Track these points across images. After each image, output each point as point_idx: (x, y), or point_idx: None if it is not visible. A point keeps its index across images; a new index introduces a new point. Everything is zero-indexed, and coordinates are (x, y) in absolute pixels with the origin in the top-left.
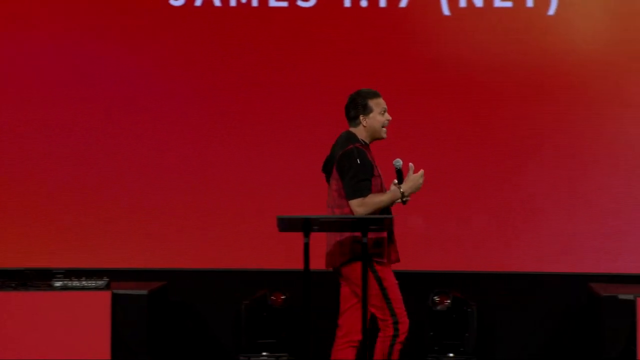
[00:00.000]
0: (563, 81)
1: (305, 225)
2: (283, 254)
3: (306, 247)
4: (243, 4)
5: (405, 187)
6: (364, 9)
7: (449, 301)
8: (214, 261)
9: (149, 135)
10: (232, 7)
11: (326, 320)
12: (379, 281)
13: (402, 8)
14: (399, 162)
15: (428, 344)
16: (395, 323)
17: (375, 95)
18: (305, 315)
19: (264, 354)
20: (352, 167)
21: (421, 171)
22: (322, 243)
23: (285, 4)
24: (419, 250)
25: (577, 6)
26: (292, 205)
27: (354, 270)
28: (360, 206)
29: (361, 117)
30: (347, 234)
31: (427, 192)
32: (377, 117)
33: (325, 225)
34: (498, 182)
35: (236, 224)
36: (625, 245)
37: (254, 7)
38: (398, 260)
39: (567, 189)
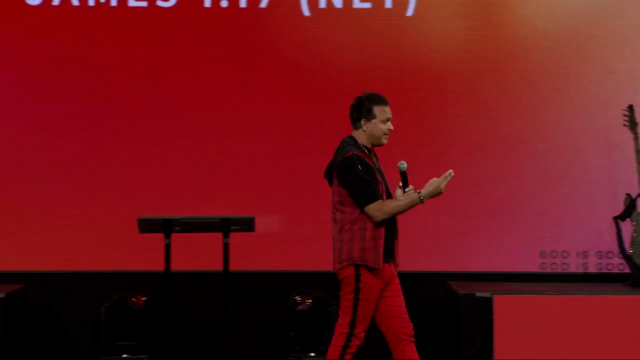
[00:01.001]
0: (420, 81)
1: (166, 226)
2: (145, 255)
3: (167, 248)
4: (102, 3)
5: (424, 191)
6: (224, 9)
7: (310, 301)
8: (74, 263)
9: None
10: (91, 7)
11: (189, 321)
12: (356, 292)
13: (263, 8)
14: (403, 165)
15: (289, 343)
16: (350, 335)
17: (382, 102)
18: (165, 317)
19: (124, 355)
20: (354, 175)
21: (447, 173)
22: (188, 244)
23: (144, 4)
24: (280, 250)
25: (434, 7)
26: (147, 207)
27: (343, 272)
28: (378, 211)
29: (363, 121)
30: (342, 240)
31: (286, 192)
32: (379, 124)
33: (187, 226)
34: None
35: (97, 225)
36: (483, 244)
37: (113, 7)
38: (385, 268)
39: None
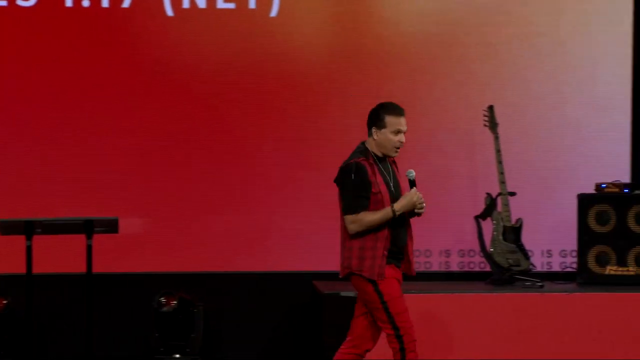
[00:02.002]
0: (286, 82)
1: (27, 228)
2: (6, 258)
3: (28, 250)
4: None
5: (397, 205)
6: (86, 9)
7: (175, 302)
8: None
9: None
10: None
11: (51, 324)
12: (380, 296)
13: (125, 8)
14: (411, 173)
15: (154, 345)
16: (399, 336)
17: (395, 112)
18: (27, 320)
19: None
20: (348, 183)
21: (414, 191)
22: (50, 245)
23: (4, 4)
24: (145, 252)
25: (298, 8)
26: (8, 209)
27: (354, 282)
28: (352, 223)
29: (374, 129)
30: (343, 248)
31: (150, 195)
32: (388, 135)
33: (49, 228)
34: (226, 182)
35: None
36: None
37: None
38: (396, 273)
39: (288, 189)
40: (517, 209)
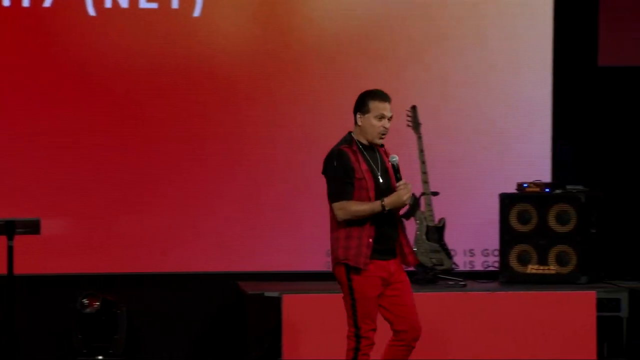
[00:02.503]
0: (209, 81)
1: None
2: None
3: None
4: None
5: (387, 201)
6: (6, 8)
7: (98, 303)
8: None
9: None
10: None
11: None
12: (351, 291)
13: (47, 8)
14: (394, 158)
15: (77, 346)
16: (357, 336)
17: (378, 98)
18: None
19: None
20: (330, 170)
21: (408, 187)
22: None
23: None
24: (67, 252)
25: (221, 8)
26: None
27: (336, 271)
28: (339, 209)
29: (358, 115)
30: (331, 239)
31: (74, 195)
32: (372, 120)
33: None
34: (148, 183)
35: None
36: (272, 244)
37: None
38: (374, 266)
39: (214, 189)
40: (440, 209)
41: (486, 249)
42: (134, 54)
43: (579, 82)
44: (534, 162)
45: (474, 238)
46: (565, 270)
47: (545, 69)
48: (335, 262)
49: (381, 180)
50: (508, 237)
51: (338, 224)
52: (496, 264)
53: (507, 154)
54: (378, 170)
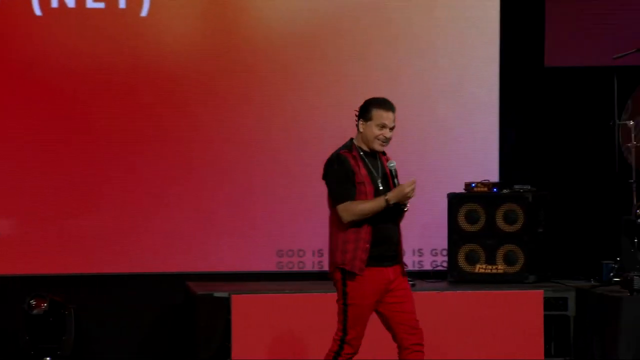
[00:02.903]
0: (157, 81)
1: None
2: None
3: None
4: None
5: (390, 195)
6: None
7: (45, 304)
8: None
9: None
10: None
11: None
12: (344, 295)
13: None
14: (391, 164)
15: (24, 348)
16: (342, 340)
17: (383, 106)
18: None
19: None
20: (330, 174)
21: (411, 180)
22: None
23: None
24: (15, 253)
25: (169, 7)
26: None
27: (335, 275)
28: (343, 211)
29: (360, 121)
30: (330, 242)
31: (19, 195)
32: (373, 127)
33: None
34: (95, 183)
35: None
36: (221, 244)
37: None
38: (371, 272)
39: (163, 190)
40: None
41: (435, 249)
42: (81, 53)
43: (526, 82)
44: (482, 162)
45: (422, 238)
46: (513, 269)
47: (492, 70)
48: (334, 266)
49: (381, 187)
50: (456, 236)
51: (337, 228)
52: (445, 264)
53: (455, 154)
54: (378, 176)
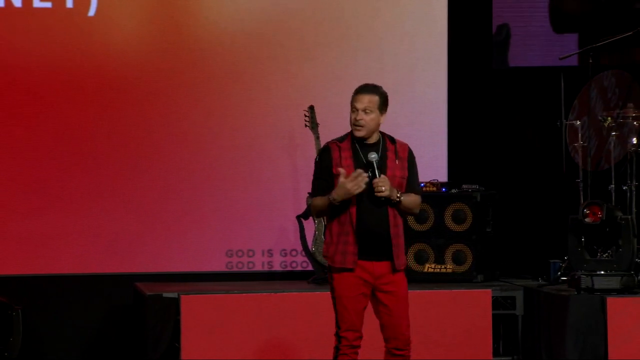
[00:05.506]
0: (106, 81)
1: None
2: None
3: None
4: None
5: (334, 193)
6: None
7: None
8: None
9: None
10: None
11: None
12: (332, 290)
13: None
14: (372, 155)
15: None
16: (337, 335)
17: (355, 91)
18: None
19: None
20: (315, 166)
21: (354, 173)
22: None
23: None
24: None
25: (117, 8)
26: None
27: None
28: (310, 207)
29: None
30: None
31: None
32: (351, 114)
33: None
34: (42, 183)
35: None
36: (170, 244)
37: None
38: (347, 265)
39: (111, 190)
40: None
41: None
42: (29, 53)
43: (474, 82)
44: (431, 162)
45: None
46: (461, 269)
47: (440, 70)
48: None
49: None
50: (405, 236)
51: (328, 222)
52: None
53: None
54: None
